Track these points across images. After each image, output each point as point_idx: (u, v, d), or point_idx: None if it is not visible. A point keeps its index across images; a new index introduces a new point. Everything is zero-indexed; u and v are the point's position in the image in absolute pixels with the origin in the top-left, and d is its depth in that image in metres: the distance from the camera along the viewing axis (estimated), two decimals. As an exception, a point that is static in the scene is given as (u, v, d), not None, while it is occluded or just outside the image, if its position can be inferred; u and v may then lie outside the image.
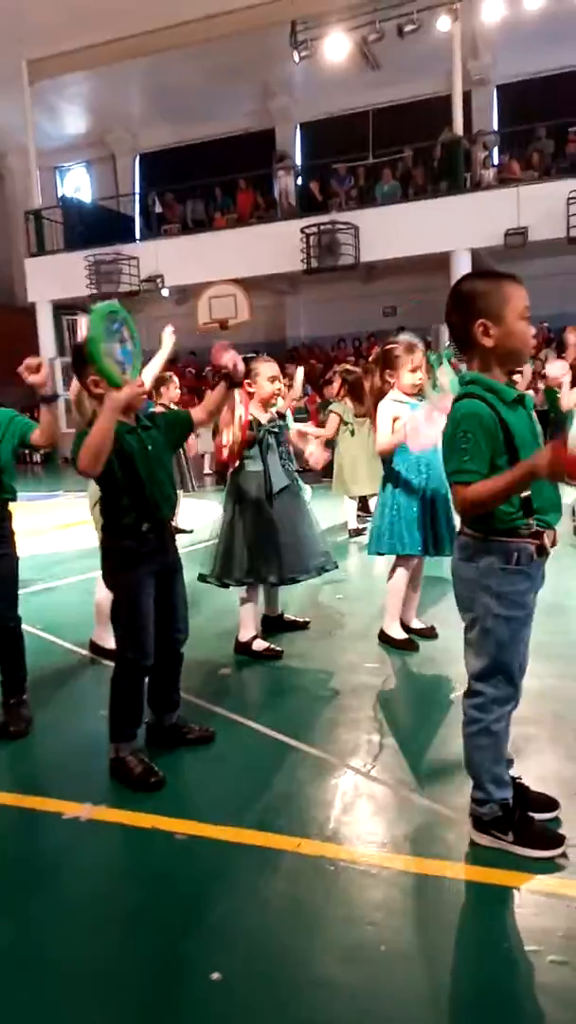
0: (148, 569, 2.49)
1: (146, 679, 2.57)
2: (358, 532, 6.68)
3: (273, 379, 3.60)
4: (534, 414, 1.98)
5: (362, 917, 1.83)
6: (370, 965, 1.67)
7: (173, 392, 6.69)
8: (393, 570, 3.70)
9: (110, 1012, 1.61)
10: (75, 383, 3.94)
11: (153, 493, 2.45)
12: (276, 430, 3.67)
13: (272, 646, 3.70)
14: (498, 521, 1.92)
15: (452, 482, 1.89)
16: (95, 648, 3.76)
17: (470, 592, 1.98)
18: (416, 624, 3.83)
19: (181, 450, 7.20)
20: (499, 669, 1.97)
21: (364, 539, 6.52)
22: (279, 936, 1.79)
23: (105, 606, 3.05)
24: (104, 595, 3.40)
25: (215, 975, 1.66)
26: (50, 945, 1.81)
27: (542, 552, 1.95)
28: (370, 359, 3.94)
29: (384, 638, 3.74)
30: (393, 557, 3.66)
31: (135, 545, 2.46)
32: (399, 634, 3.72)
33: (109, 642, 3.36)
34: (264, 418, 3.64)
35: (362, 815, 2.28)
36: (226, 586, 3.67)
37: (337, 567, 3.91)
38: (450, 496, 3.28)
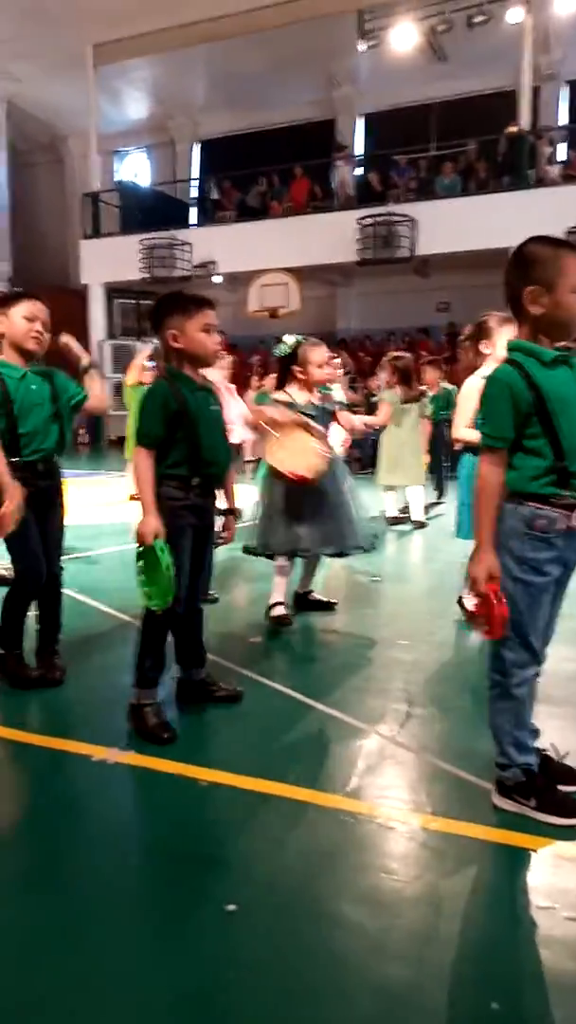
0: (187, 522, 2.55)
1: (169, 629, 2.63)
2: (397, 520, 6.66)
3: (321, 365, 3.65)
4: None
5: (377, 864, 1.85)
6: (382, 907, 1.69)
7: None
8: None
9: (128, 928, 1.66)
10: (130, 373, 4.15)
11: (209, 450, 2.54)
12: (314, 412, 3.68)
13: (285, 614, 3.73)
14: (530, 485, 1.91)
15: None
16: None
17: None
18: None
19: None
20: (514, 630, 1.96)
21: (403, 527, 6.53)
22: (294, 875, 1.81)
23: None
24: None
25: (231, 906, 1.69)
26: (75, 869, 1.86)
27: (570, 525, 1.92)
28: (463, 337, 3.83)
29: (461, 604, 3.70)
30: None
31: (181, 495, 2.52)
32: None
33: None
34: (302, 399, 3.66)
35: (385, 775, 2.29)
36: (271, 556, 3.73)
37: (376, 549, 3.92)
38: None
